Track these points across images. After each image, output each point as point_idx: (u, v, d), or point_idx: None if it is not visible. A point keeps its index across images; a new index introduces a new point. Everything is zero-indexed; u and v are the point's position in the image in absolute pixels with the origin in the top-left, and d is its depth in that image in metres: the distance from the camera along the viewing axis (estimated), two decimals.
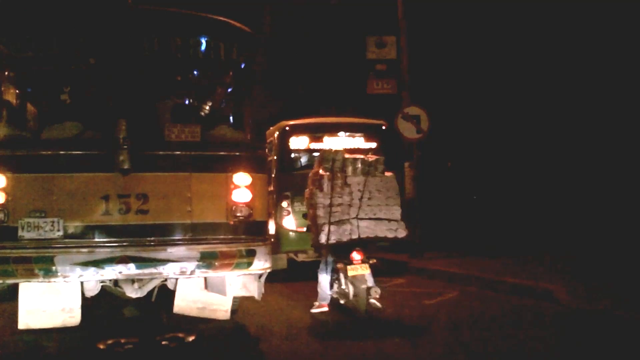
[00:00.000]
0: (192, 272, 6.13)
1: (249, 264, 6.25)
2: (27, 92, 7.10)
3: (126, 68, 6.30)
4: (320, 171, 7.71)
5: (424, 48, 17.01)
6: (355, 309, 7.42)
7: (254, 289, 6.56)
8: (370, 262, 7.58)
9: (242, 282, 6.63)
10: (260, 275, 6.49)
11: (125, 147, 5.97)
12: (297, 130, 12.87)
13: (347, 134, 13.25)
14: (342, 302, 7.80)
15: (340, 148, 8.46)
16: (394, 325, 7.40)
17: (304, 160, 13.18)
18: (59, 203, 5.96)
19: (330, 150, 7.96)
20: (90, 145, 6.17)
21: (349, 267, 7.44)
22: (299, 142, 12.84)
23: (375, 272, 7.60)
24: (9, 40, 6.34)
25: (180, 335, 6.66)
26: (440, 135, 15.95)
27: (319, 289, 7.91)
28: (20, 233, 5.87)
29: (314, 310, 7.96)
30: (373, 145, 13.37)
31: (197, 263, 6.11)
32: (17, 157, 6.07)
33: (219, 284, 6.65)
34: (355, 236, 7.54)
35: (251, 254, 6.26)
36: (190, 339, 6.59)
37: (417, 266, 12.44)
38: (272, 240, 8.79)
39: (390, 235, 7.75)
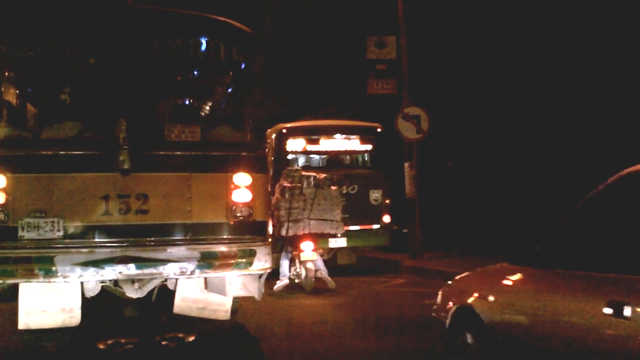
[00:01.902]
0: (192, 272, 6.12)
1: (249, 264, 6.24)
2: (27, 92, 7.09)
3: (126, 68, 6.29)
4: (285, 184, 10.31)
5: (424, 48, 17.01)
6: (304, 286, 10.12)
7: (254, 289, 6.56)
8: (318, 251, 10.41)
9: (242, 282, 6.61)
10: (260, 276, 6.49)
11: (125, 147, 5.97)
12: (294, 132, 13.01)
13: (343, 136, 13.39)
14: (297, 281, 10.45)
15: (300, 167, 11.56)
16: (394, 325, 7.40)
17: (300, 162, 13.29)
18: (59, 203, 5.95)
19: (291, 169, 10.79)
20: (90, 145, 6.16)
21: (301, 254, 10.09)
22: (295, 145, 12.97)
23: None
24: (9, 40, 6.33)
25: (180, 335, 6.66)
26: (440, 135, 15.95)
27: (280, 270, 10.29)
28: (20, 233, 5.87)
29: (277, 287, 10.15)
30: (369, 147, 13.47)
31: (197, 263, 6.10)
32: (17, 157, 6.07)
33: (219, 284, 6.65)
34: (307, 231, 10.14)
35: (251, 254, 6.25)
36: (190, 339, 6.59)
37: (417, 266, 12.46)
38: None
39: (332, 231, 10.56)
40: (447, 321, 4.88)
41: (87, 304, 6.58)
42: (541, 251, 4.11)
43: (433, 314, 5.25)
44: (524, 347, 4.01)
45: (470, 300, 4.64)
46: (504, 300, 4.34)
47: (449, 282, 5.33)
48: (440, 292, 5.23)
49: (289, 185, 10.28)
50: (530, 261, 4.19)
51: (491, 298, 4.46)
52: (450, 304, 4.92)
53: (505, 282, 4.45)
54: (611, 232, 3.71)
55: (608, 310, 3.26)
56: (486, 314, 4.38)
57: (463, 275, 5.30)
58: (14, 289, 6.36)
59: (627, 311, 3.15)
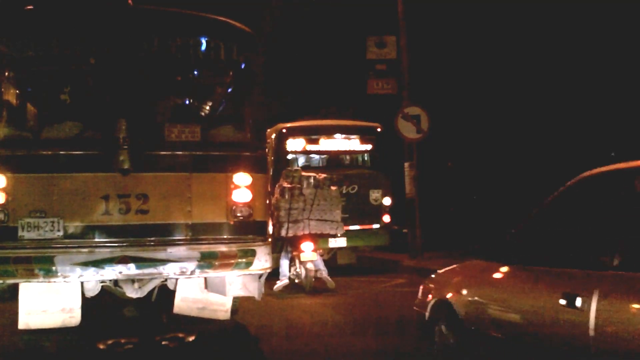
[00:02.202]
0: (192, 272, 6.12)
1: (249, 264, 6.24)
2: (27, 92, 7.09)
3: (126, 68, 6.29)
4: (284, 184, 10.25)
5: (424, 48, 17.00)
6: (304, 286, 10.08)
7: (254, 289, 6.56)
8: (318, 251, 10.41)
9: (242, 282, 6.62)
10: (260, 275, 6.49)
11: (125, 147, 5.97)
12: (294, 132, 13.03)
13: (343, 136, 13.40)
14: (296, 281, 10.39)
15: (299, 167, 11.44)
16: (394, 325, 7.40)
17: (300, 162, 13.30)
18: (59, 203, 5.95)
19: (291, 170, 10.70)
20: (90, 145, 6.16)
21: (301, 254, 10.06)
22: (295, 145, 12.99)
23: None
24: (9, 40, 6.33)
25: (180, 335, 6.66)
26: (440, 135, 15.95)
27: (280, 270, 10.23)
28: (20, 233, 5.87)
29: (277, 287, 10.11)
30: (368, 147, 13.48)
31: (197, 263, 6.10)
32: (17, 157, 6.07)
33: (219, 284, 6.65)
34: (306, 231, 10.12)
35: (251, 254, 6.25)
36: (190, 339, 6.59)
37: (417, 266, 12.45)
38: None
39: (332, 232, 10.54)
40: (427, 314, 5.21)
41: (87, 304, 6.59)
42: (508, 248, 4.49)
43: (414, 308, 5.53)
44: (493, 337, 4.34)
45: (446, 294, 4.98)
46: (474, 293, 4.66)
47: (429, 278, 5.66)
48: (421, 287, 5.55)
49: (288, 185, 10.25)
50: (498, 257, 4.53)
51: (464, 292, 4.77)
52: (429, 297, 5.24)
53: (476, 277, 4.77)
54: (567, 231, 4.08)
55: (563, 302, 3.63)
56: (459, 307, 4.72)
57: (441, 271, 5.60)
58: (14, 289, 6.37)
59: (578, 302, 3.53)
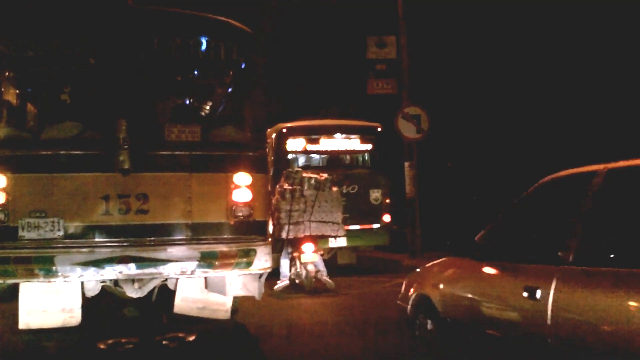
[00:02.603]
0: (192, 272, 6.13)
1: (249, 264, 6.25)
2: (27, 92, 7.09)
3: (126, 68, 6.29)
4: (285, 185, 10.24)
5: (424, 48, 17.00)
6: (304, 286, 10.07)
7: (254, 289, 6.56)
8: (319, 252, 10.42)
9: (243, 282, 6.62)
10: (260, 275, 6.49)
11: (126, 147, 5.97)
12: (294, 132, 13.04)
13: (343, 136, 13.41)
14: (297, 281, 10.41)
15: (300, 168, 11.51)
16: (394, 325, 7.39)
17: (300, 161, 13.31)
18: (59, 203, 5.95)
19: (292, 171, 10.73)
20: (90, 145, 6.16)
21: (302, 255, 10.08)
22: (295, 144, 13.00)
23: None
24: (9, 40, 6.33)
25: (181, 335, 6.66)
26: (440, 135, 15.95)
27: (280, 270, 10.34)
28: (20, 233, 5.87)
29: (277, 287, 10.18)
30: (369, 147, 13.48)
31: (197, 263, 6.10)
32: (17, 157, 6.06)
33: (219, 283, 6.65)
34: (307, 233, 10.09)
35: (251, 253, 6.25)
36: (191, 338, 6.60)
37: (417, 266, 12.38)
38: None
39: (333, 233, 10.47)
40: (409, 307, 5.61)
41: (88, 303, 6.59)
42: (478, 245, 4.85)
43: (398, 302, 5.91)
44: (466, 327, 4.73)
45: (425, 288, 5.38)
46: (449, 287, 5.05)
47: (411, 274, 6.05)
48: (404, 283, 5.92)
49: (289, 187, 10.25)
50: (470, 254, 4.89)
51: (440, 286, 5.14)
52: (411, 292, 5.63)
53: (450, 272, 5.17)
54: (529, 229, 4.51)
55: (525, 294, 3.96)
56: (437, 300, 5.09)
57: (422, 267, 5.97)
58: (14, 288, 6.36)
59: (538, 294, 3.85)
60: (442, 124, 15.57)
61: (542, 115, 18.23)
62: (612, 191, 3.83)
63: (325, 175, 10.65)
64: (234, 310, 7.29)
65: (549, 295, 3.75)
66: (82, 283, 6.35)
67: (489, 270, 4.60)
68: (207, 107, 7.89)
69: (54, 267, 5.80)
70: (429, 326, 5.21)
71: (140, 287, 6.56)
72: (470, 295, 4.73)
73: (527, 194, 4.67)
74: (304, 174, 10.49)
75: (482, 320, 4.55)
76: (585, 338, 3.50)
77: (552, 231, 4.19)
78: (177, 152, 6.32)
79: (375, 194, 13.06)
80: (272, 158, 12.18)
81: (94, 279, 6.16)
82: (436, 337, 5.09)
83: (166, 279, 6.61)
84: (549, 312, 3.72)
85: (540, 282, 3.86)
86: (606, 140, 16.83)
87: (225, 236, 6.29)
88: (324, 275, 10.29)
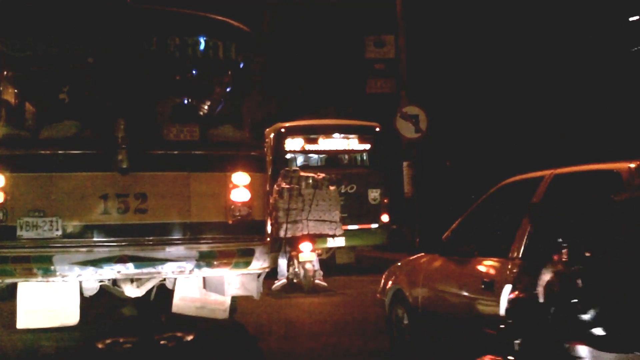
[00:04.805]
0: (190, 272, 6.12)
1: (248, 264, 6.24)
2: (26, 91, 7.08)
3: (125, 67, 6.29)
4: (283, 185, 10.31)
5: (423, 48, 17.01)
6: (303, 286, 10.15)
7: (252, 289, 6.56)
8: (317, 252, 10.48)
9: (241, 281, 6.62)
10: (259, 275, 6.49)
11: (124, 146, 5.96)
12: (293, 132, 13.04)
13: (342, 135, 13.42)
14: (295, 280, 10.45)
15: (298, 167, 11.52)
16: None
17: (299, 161, 13.31)
18: (58, 202, 5.94)
19: (289, 170, 10.78)
20: (89, 144, 6.16)
21: (300, 254, 10.12)
22: (294, 144, 13.00)
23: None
24: (8, 39, 6.32)
25: (179, 334, 6.66)
26: (439, 134, 15.96)
27: (278, 269, 10.27)
28: (19, 232, 5.86)
29: (275, 286, 10.21)
30: (367, 146, 13.49)
31: (195, 262, 6.10)
32: (16, 157, 6.06)
33: (218, 283, 6.65)
34: (305, 232, 10.14)
35: (250, 253, 6.25)
36: (189, 338, 6.60)
37: None
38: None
39: (331, 232, 10.51)
40: (386, 300, 6.07)
41: (86, 303, 6.59)
42: (444, 242, 5.37)
43: (377, 295, 6.35)
44: (434, 316, 5.24)
45: (400, 282, 5.92)
46: (418, 280, 5.54)
47: (389, 269, 6.42)
48: (382, 277, 6.32)
49: (287, 186, 10.30)
50: (437, 250, 5.45)
51: (412, 279, 5.68)
52: (389, 285, 6.09)
53: (420, 266, 5.68)
54: (487, 227, 5.07)
55: (482, 286, 4.50)
56: (409, 292, 5.64)
57: (399, 262, 6.45)
58: (13, 288, 6.36)
59: (493, 286, 4.36)
60: (440, 123, 15.59)
61: (540, 115, 18.24)
62: (556, 193, 4.33)
63: (322, 175, 10.68)
64: (233, 309, 7.29)
65: (503, 288, 4.16)
66: (81, 282, 6.34)
67: (453, 264, 5.14)
68: (206, 107, 7.89)
69: (52, 267, 5.79)
70: (404, 315, 5.76)
71: (138, 287, 6.55)
72: (435, 286, 5.30)
73: (487, 197, 5.27)
74: (302, 173, 10.54)
75: (446, 309, 5.09)
76: (534, 328, 3.79)
77: (506, 230, 4.65)
78: (175, 152, 6.31)
79: (373, 194, 13.07)
80: (271, 157, 12.18)
81: (93, 279, 6.16)
82: (410, 324, 5.64)
83: (164, 279, 6.61)
84: (502, 302, 4.14)
85: (494, 276, 4.42)
86: (605, 139, 16.84)
87: (224, 236, 6.28)
88: (319, 276, 10.34)
